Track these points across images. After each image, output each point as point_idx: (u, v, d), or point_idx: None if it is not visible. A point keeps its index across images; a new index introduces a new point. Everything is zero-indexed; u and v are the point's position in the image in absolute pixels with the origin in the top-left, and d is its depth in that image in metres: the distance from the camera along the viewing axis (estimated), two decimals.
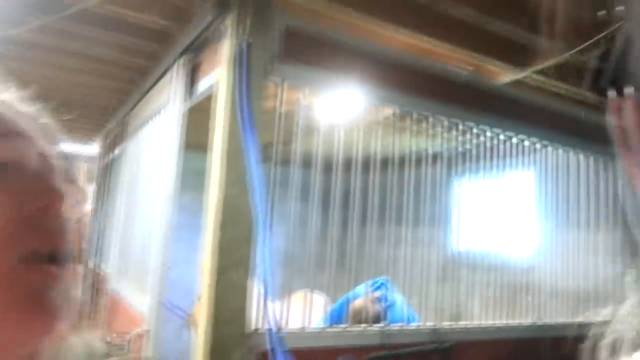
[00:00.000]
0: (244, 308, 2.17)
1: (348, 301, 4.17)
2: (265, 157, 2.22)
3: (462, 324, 2.90)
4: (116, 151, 5.26)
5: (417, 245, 2.80)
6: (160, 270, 2.67)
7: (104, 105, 5.06)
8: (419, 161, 2.89)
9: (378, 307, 4.09)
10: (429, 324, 2.76)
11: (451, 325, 2.84)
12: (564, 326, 3.26)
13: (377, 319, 4.12)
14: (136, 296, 3.10)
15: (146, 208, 3.21)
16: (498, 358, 2.98)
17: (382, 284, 4.31)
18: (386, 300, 4.12)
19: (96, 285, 5.07)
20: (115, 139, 5.41)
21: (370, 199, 2.59)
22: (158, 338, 2.64)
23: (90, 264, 5.62)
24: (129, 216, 3.92)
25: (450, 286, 2.84)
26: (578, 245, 3.32)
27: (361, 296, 4.25)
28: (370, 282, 4.51)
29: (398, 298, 4.06)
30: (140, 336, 2.72)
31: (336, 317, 4.46)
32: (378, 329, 2.57)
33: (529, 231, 5.68)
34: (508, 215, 3.07)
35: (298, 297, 2.50)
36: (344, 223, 2.60)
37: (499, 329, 2.96)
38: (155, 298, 2.65)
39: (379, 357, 2.50)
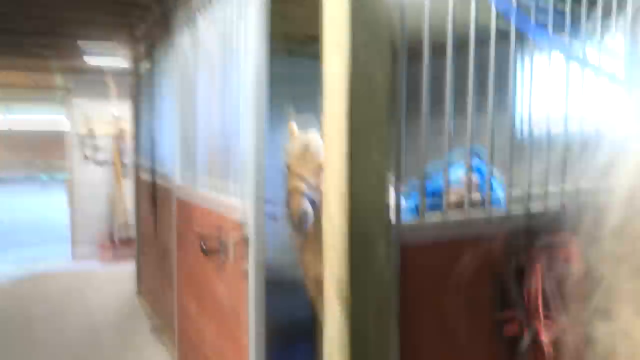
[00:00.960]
0: (383, 197, 1.86)
1: (440, 188, 3.90)
2: None
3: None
4: (158, 53, 4.80)
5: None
6: (256, 169, 2.37)
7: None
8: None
9: (478, 195, 3.82)
10: (555, 203, 2.46)
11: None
12: None
13: (477, 204, 3.88)
14: (224, 201, 2.85)
15: (223, 107, 2.86)
16: None
17: (476, 154, 3.94)
18: (483, 182, 3.83)
19: (159, 197, 4.90)
20: (154, 41, 4.93)
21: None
22: (261, 242, 2.40)
23: (145, 177, 5.43)
24: (190, 121, 3.59)
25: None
26: None
27: (457, 177, 4.00)
28: (462, 151, 4.09)
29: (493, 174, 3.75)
30: (238, 243, 2.49)
31: (431, 204, 4.22)
32: (522, 211, 2.27)
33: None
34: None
35: None
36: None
37: None
38: (254, 200, 2.38)
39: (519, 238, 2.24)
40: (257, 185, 2.38)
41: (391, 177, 1.94)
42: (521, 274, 2.22)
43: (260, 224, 2.40)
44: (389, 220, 1.92)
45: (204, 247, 2.73)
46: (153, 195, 4.96)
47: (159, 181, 4.85)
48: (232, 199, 2.76)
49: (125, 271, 7.34)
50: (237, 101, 2.65)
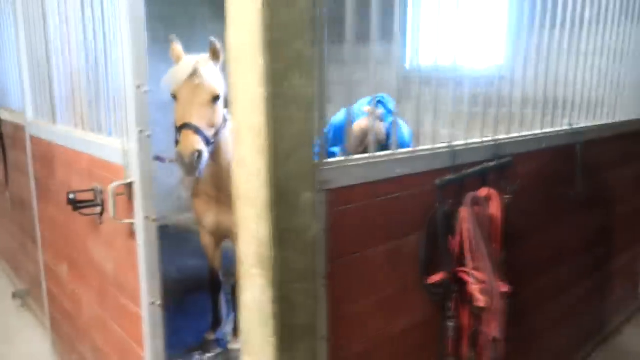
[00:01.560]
0: (308, 132, 1.46)
1: (344, 121, 3.59)
2: None
3: (515, 135, 2.46)
4: None
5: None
6: (138, 97, 1.80)
7: None
8: None
9: (383, 126, 3.58)
10: (488, 138, 2.27)
11: (509, 137, 2.38)
12: (591, 130, 2.99)
13: (383, 140, 3.67)
14: (95, 140, 2.22)
15: (86, 19, 2.16)
16: (544, 166, 2.66)
17: (380, 101, 3.72)
18: (388, 117, 3.61)
19: (5, 134, 3.95)
20: None
21: None
22: (149, 190, 1.89)
23: None
24: (40, 40, 2.76)
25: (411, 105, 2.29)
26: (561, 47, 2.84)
27: (361, 115, 3.70)
28: (366, 99, 3.91)
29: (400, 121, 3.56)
30: (119, 193, 1.94)
31: (333, 139, 3.91)
32: (447, 149, 2.01)
33: (498, 37, 5.26)
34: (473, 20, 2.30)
35: None
36: None
37: (540, 138, 2.57)
38: (137, 136, 1.82)
39: (449, 181, 2.01)
40: (139, 117, 1.81)
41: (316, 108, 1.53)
42: (448, 219, 2.02)
43: (147, 166, 1.87)
44: (314, 161, 1.53)
45: (73, 199, 2.12)
46: (0, 134, 3.98)
47: (5, 116, 3.88)
48: (107, 137, 2.15)
49: None
50: (106, 12, 1.98)
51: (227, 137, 2.95)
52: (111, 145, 2.05)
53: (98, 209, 2.20)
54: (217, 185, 3.03)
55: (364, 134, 3.44)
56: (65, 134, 2.52)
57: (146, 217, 1.88)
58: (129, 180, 1.90)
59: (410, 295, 1.99)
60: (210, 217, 3.18)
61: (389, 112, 3.57)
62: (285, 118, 1.39)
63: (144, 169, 1.85)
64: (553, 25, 2.70)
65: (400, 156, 1.85)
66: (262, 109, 1.35)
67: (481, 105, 2.57)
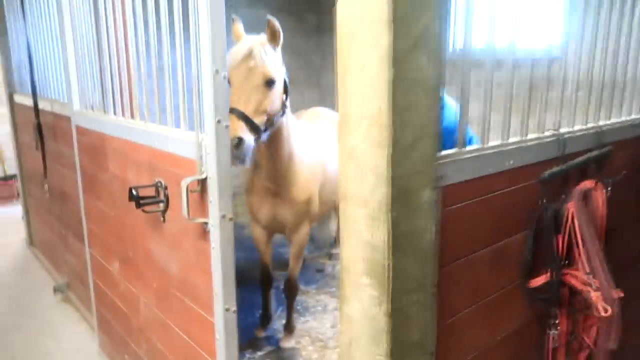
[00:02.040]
0: (434, 119, 1.26)
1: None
2: None
3: (613, 122, 2.22)
4: None
5: None
6: (215, 82, 1.60)
7: None
8: None
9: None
10: (591, 124, 2.04)
11: (609, 124, 2.15)
12: None
13: None
14: (159, 131, 2.05)
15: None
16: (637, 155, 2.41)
17: None
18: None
19: (46, 125, 3.81)
20: None
21: None
22: (227, 187, 1.70)
23: (23, 101, 4.23)
24: (88, 27, 2.59)
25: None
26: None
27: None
28: None
29: (446, 97, 3.33)
30: (191, 187, 1.76)
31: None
32: (554, 137, 1.79)
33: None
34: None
35: None
36: None
37: (637, 124, 2.32)
38: (214, 127, 1.63)
39: (555, 173, 1.79)
40: (217, 105, 1.62)
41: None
42: (555, 216, 1.80)
43: (224, 160, 1.69)
44: (436, 154, 1.33)
45: (136, 196, 1.95)
46: (38, 124, 3.85)
47: (44, 106, 3.74)
48: (175, 128, 1.97)
49: (8, 216, 6.10)
50: None
51: (288, 126, 2.76)
52: (180, 137, 1.87)
53: (161, 206, 2.04)
54: (274, 177, 2.85)
55: None
56: (120, 124, 2.35)
57: (222, 216, 1.70)
58: (203, 176, 1.72)
59: (510, 301, 1.79)
60: (265, 211, 3.02)
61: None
62: (410, 104, 1.19)
63: (221, 163, 1.67)
64: None
65: (510, 147, 1.64)
66: (385, 93, 1.15)
67: (543, 89, 2.30)
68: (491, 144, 1.58)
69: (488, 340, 1.73)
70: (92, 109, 2.72)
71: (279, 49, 2.53)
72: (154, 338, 2.37)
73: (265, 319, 3.48)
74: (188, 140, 1.80)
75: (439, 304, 1.45)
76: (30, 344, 3.48)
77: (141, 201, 1.99)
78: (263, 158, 2.81)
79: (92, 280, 3.15)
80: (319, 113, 3.96)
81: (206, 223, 1.77)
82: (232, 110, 2.27)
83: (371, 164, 1.21)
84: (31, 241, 5.21)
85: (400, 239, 1.24)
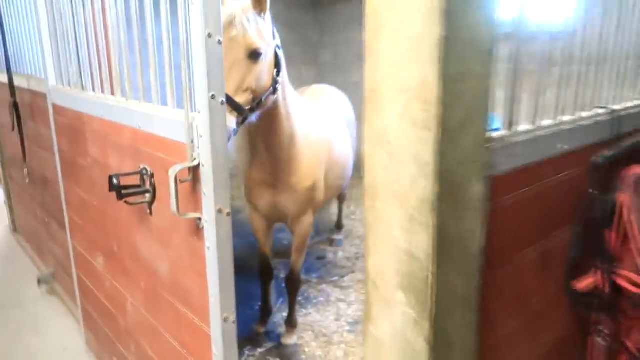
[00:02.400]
0: (487, 93, 0.98)
1: None
2: None
3: None
4: None
5: None
6: (208, 48, 1.31)
7: None
8: None
9: None
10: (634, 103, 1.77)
11: None
12: None
13: None
14: (143, 110, 1.75)
15: None
16: None
17: None
18: None
19: (23, 103, 3.49)
20: None
21: None
22: (221, 172, 1.43)
23: None
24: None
25: None
26: None
27: None
28: None
29: None
30: (181, 175, 1.48)
31: None
32: (607, 116, 1.52)
33: None
34: None
35: None
36: None
37: None
38: (207, 103, 1.35)
39: (608, 157, 1.52)
40: (211, 76, 1.33)
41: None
42: (606, 207, 1.55)
43: (221, 144, 1.40)
44: (489, 138, 1.06)
45: (117, 186, 1.67)
46: (14, 103, 3.53)
47: (20, 83, 3.42)
48: (162, 106, 1.68)
49: None
50: None
51: (287, 105, 2.47)
52: (167, 116, 1.58)
53: (147, 197, 1.76)
54: (274, 162, 2.57)
55: None
56: (99, 102, 2.05)
57: (219, 211, 1.43)
58: (195, 163, 1.44)
59: (555, 307, 1.55)
60: (264, 199, 2.74)
61: None
62: (463, 73, 0.91)
63: (217, 148, 1.39)
64: None
65: (562, 127, 1.37)
66: (433, 57, 0.87)
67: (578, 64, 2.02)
68: (544, 123, 1.31)
69: (533, 351, 1.49)
70: (70, 85, 2.41)
71: (267, 16, 2.20)
72: (144, 343, 2.12)
73: (265, 313, 3.24)
74: (176, 120, 1.51)
75: (482, 322, 1.19)
76: (12, 341, 3.23)
77: (123, 192, 1.70)
78: (260, 141, 2.52)
79: (75, 274, 2.88)
80: (320, 90, 3.66)
81: (199, 219, 1.50)
82: None
83: (411, 151, 0.94)
84: (15, 228, 4.92)
85: (446, 246, 0.97)
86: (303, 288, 3.81)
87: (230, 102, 1.98)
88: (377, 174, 1.01)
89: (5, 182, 4.88)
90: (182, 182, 1.47)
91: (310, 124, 2.73)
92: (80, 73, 2.23)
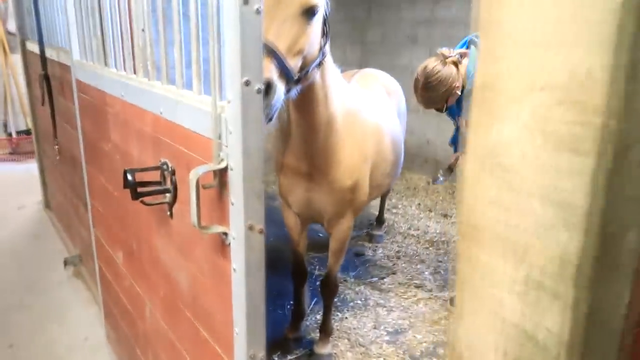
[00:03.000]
0: None
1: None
2: None
3: None
4: None
5: None
6: (242, 18, 0.99)
7: None
8: None
9: (448, 70, 2.71)
10: None
11: None
12: None
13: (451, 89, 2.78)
14: (165, 92, 1.46)
15: None
16: None
17: (469, 40, 2.81)
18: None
19: (53, 77, 3.30)
20: None
21: None
22: (254, 178, 1.12)
23: (33, 48, 3.72)
24: None
25: None
26: None
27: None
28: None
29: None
30: (205, 180, 1.18)
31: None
32: None
33: None
34: None
35: None
36: None
37: None
38: (239, 90, 1.03)
39: None
40: (244, 57, 1.02)
41: None
42: None
43: (255, 143, 1.09)
44: None
45: (132, 183, 1.40)
46: (45, 75, 3.34)
47: (51, 55, 3.21)
48: (187, 90, 1.38)
49: (28, 174, 5.75)
50: None
51: (327, 84, 2.09)
52: (192, 103, 1.28)
53: (167, 197, 1.48)
54: (309, 154, 2.23)
55: (427, 78, 2.60)
56: (119, 80, 1.78)
57: (250, 228, 1.12)
58: (222, 165, 1.14)
59: None
60: (297, 195, 2.42)
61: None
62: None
63: (250, 147, 1.08)
64: None
65: None
66: (608, 41, 0.52)
67: None
68: None
69: None
70: (93, 60, 2.15)
71: None
72: (162, 355, 1.88)
73: (298, 317, 2.96)
74: (202, 109, 1.21)
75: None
76: (33, 329, 3.09)
77: (139, 189, 1.43)
78: (293, 125, 2.19)
79: (97, 265, 2.68)
80: (372, 75, 3.28)
81: (225, 234, 1.20)
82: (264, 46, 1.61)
83: (545, 183, 0.60)
84: (47, 204, 4.84)
85: (589, 328, 0.63)
86: (340, 288, 3.52)
87: (281, 63, 1.62)
88: (482, 211, 0.68)
89: (39, 156, 4.79)
90: (205, 188, 1.18)
91: (355, 112, 2.37)
92: (104, 47, 1.97)
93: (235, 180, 1.11)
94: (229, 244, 1.19)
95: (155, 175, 1.52)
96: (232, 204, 1.14)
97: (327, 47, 2.00)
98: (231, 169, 1.12)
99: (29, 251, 4.13)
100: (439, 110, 2.83)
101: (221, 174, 1.17)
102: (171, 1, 1.34)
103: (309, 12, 1.73)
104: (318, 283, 3.55)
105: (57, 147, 3.57)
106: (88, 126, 2.38)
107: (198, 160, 1.25)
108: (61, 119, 3.36)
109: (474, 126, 0.68)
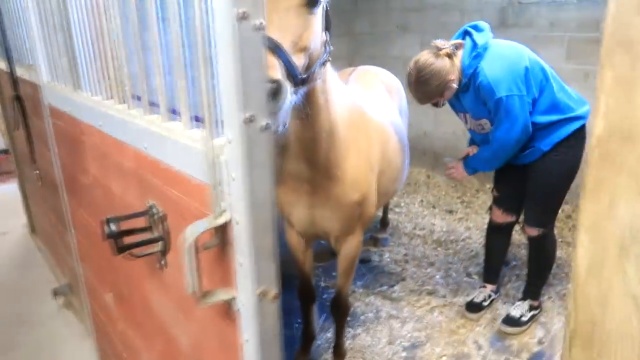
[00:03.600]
0: None
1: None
2: None
3: None
4: None
5: None
6: (239, 37, 0.77)
7: None
8: None
9: (442, 62, 2.51)
10: None
11: None
12: None
13: (448, 82, 2.58)
14: (147, 125, 1.23)
15: None
16: None
17: (467, 31, 2.60)
18: (474, 49, 2.48)
19: (25, 97, 3.04)
20: None
21: None
22: (265, 235, 0.90)
23: (2, 65, 3.45)
24: None
25: None
26: None
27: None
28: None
29: (494, 49, 2.46)
30: (203, 239, 0.96)
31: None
32: None
33: None
34: None
35: None
36: None
37: None
38: (239, 128, 0.81)
39: None
40: (245, 86, 0.80)
41: None
42: None
43: (267, 190, 0.88)
44: None
45: (113, 233, 1.17)
46: (17, 96, 3.07)
47: (21, 73, 2.95)
48: (174, 121, 1.16)
49: (10, 196, 5.47)
50: None
51: (327, 88, 1.84)
52: (181, 139, 1.05)
53: (159, 245, 1.26)
54: (310, 164, 2.02)
55: (420, 71, 2.41)
56: (95, 108, 1.54)
57: (262, 294, 0.91)
58: (222, 220, 0.92)
59: None
60: (300, 212, 2.19)
61: (475, 46, 2.45)
62: None
63: (260, 196, 0.86)
64: None
65: None
66: None
67: None
68: None
69: None
70: (64, 82, 1.90)
71: None
72: None
73: (308, 339, 2.76)
74: (193, 147, 0.99)
75: None
76: None
77: (123, 239, 1.21)
78: (292, 137, 1.96)
79: (87, 303, 2.45)
80: (370, 72, 3.06)
81: (233, 299, 0.98)
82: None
83: None
84: (33, 228, 4.57)
85: None
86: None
87: (284, 58, 1.37)
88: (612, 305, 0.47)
89: (20, 179, 4.52)
90: (205, 249, 0.96)
91: (358, 117, 2.15)
92: (75, 67, 1.72)
93: (243, 237, 0.90)
94: (238, 310, 0.98)
95: (142, 222, 1.29)
96: (240, 265, 0.93)
97: (328, 44, 1.76)
98: (237, 223, 0.90)
99: (16, 282, 3.88)
100: (436, 105, 2.63)
101: (223, 229, 0.95)
102: (147, 7, 1.11)
103: (312, 1, 1.49)
104: (325, 296, 3.36)
105: (37, 172, 3.31)
106: (65, 155, 2.14)
107: (193, 206, 1.03)
108: (39, 141, 3.11)
109: (594, 193, 0.47)
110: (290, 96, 1.39)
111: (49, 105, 2.09)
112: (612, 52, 0.44)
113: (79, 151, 1.84)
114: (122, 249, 1.19)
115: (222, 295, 0.98)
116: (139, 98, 1.26)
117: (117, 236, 1.19)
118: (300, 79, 1.48)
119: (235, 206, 0.89)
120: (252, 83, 0.79)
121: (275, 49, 1.34)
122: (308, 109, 1.76)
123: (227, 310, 1.02)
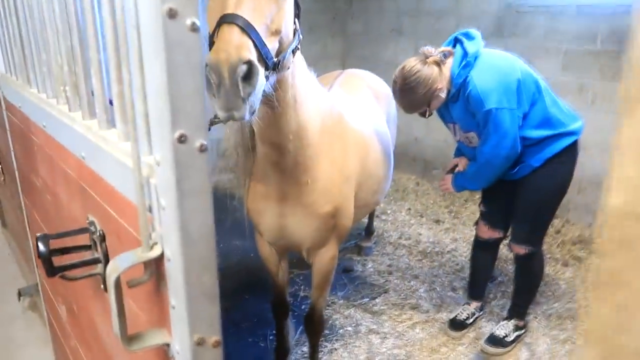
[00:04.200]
0: None
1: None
2: None
3: None
4: None
5: None
6: (166, 36, 0.62)
7: None
8: None
9: (429, 70, 2.38)
10: None
11: None
12: None
13: (435, 90, 2.45)
14: (84, 132, 1.08)
15: None
16: None
17: (458, 39, 2.47)
18: (464, 58, 2.35)
19: None
20: None
21: None
22: (202, 269, 0.75)
23: None
24: None
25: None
26: None
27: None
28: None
29: (486, 58, 2.32)
30: (132, 275, 0.81)
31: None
32: None
33: None
34: None
35: None
36: None
37: None
38: (171, 147, 0.67)
39: None
40: (175, 97, 0.65)
41: None
42: None
43: (205, 221, 0.73)
44: None
45: (44, 253, 1.02)
46: None
47: None
48: (113, 131, 1.01)
49: None
50: None
51: (292, 87, 1.68)
52: (114, 152, 0.90)
53: (98, 267, 1.11)
54: (278, 164, 1.86)
55: (405, 78, 2.29)
56: (40, 106, 1.38)
57: (199, 342, 0.76)
58: (153, 254, 0.77)
59: None
60: (269, 221, 2.04)
61: (465, 54, 2.32)
62: None
63: (193, 231, 0.72)
64: None
65: None
66: None
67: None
68: None
69: None
70: (16, 75, 1.74)
71: None
72: None
73: (282, 355, 2.61)
74: (125, 164, 0.84)
75: None
76: None
77: (57, 259, 1.06)
78: (257, 136, 1.80)
79: (45, 309, 2.29)
80: (357, 77, 2.91)
81: (167, 345, 0.84)
82: (229, 17, 1.25)
83: None
84: (4, 222, 4.38)
85: None
86: (327, 312, 3.19)
87: (257, 37, 1.28)
88: None
89: None
90: (131, 286, 0.81)
91: (334, 122, 2.01)
92: (24, 60, 1.56)
93: (175, 276, 0.75)
94: (173, 357, 0.83)
95: (84, 239, 1.14)
96: (173, 308, 0.78)
97: (299, 34, 1.63)
98: (168, 260, 0.76)
99: None
100: (423, 115, 2.50)
101: (158, 262, 0.80)
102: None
103: None
104: (304, 307, 3.22)
105: (0, 166, 3.14)
106: (20, 154, 1.98)
107: (127, 231, 0.88)
108: (3, 133, 2.93)
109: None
110: (263, 80, 1.32)
111: (4, 98, 1.93)
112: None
113: (31, 151, 1.68)
114: (54, 271, 1.04)
115: (155, 340, 0.83)
116: (81, 98, 1.10)
117: (48, 256, 1.04)
118: (272, 62, 1.40)
119: (167, 239, 0.75)
120: (185, 96, 0.65)
121: (247, 28, 1.25)
122: (276, 104, 1.62)
123: (165, 355, 0.88)
